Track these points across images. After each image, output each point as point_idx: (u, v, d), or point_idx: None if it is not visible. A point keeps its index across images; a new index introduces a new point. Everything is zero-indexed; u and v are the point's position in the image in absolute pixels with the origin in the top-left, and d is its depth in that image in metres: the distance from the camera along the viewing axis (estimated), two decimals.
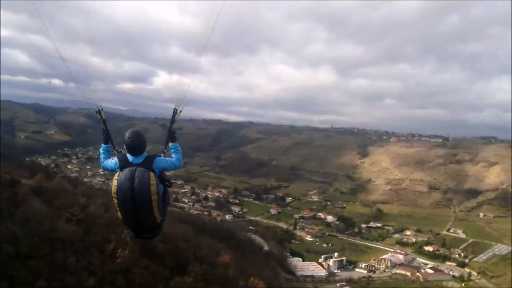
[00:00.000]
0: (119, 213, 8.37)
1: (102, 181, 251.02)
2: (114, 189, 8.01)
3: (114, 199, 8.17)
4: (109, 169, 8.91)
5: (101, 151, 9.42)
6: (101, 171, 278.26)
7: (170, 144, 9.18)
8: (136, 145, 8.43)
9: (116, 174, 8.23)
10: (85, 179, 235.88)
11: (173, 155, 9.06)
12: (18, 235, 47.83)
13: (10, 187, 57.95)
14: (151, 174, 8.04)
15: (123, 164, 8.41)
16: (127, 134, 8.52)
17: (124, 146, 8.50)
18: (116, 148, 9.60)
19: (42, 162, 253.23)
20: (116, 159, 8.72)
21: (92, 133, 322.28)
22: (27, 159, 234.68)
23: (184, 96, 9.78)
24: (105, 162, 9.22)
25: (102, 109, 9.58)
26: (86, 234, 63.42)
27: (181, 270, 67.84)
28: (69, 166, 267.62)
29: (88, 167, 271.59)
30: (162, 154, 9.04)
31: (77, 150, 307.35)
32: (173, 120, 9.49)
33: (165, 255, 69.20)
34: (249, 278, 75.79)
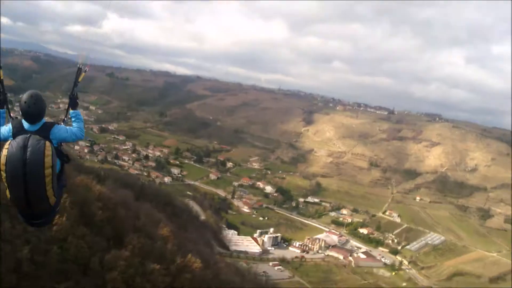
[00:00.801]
0: (7, 191, 6.71)
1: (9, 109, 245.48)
2: (3, 159, 6.50)
3: (2, 171, 6.57)
4: (2, 138, 7.22)
5: None
6: None
7: (71, 111, 7.74)
8: (33, 113, 6.99)
9: (8, 142, 6.75)
10: None
11: (74, 124, 7.57)
12: None
13: None
14: (47, 143, 6.67)
15: (17, 131, 7.00)
16: (24, 97, 7.09)
17: (21, 114, 7.11)
18: (11, 114, 7.88)
19: (12, 115, 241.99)
20: (10, 126, 7.28)
21: (37, 78, 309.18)
22: None
23: (88, 52, 8.46)
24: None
25: (0, 67, 7.95)
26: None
27: (119, 241, 64.22)
28: (11, 114, 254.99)
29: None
30: (61, 123, 7.63)
31: (21, 96, 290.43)
32: (75, 83, 7.98)
33: (103, 224, 65.13)
34: (186, 255, 72.99)
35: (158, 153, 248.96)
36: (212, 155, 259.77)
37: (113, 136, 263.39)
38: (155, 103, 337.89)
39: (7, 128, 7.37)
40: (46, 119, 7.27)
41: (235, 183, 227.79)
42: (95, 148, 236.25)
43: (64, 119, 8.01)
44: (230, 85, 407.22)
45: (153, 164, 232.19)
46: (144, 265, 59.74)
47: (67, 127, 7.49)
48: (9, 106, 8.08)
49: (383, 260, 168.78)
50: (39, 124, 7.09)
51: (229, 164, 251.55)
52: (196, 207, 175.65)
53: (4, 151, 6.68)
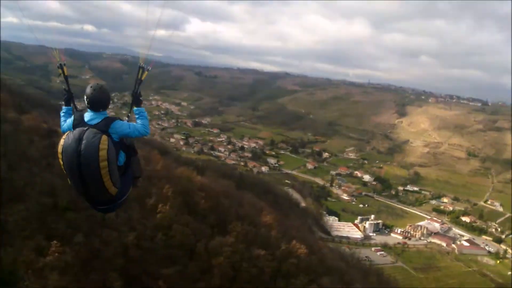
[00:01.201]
0: (68, 180, 7.22)
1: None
2: (59, 148, 6.95)
3: (60, 160, 7.07)
4: (66, 131, 7.57)
5: (61, 113, 8.43)
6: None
7: (135, 108, 8.06)
8: (96, 99, 7.31)
9: (66, 134, 7.18)
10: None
11: (138, 121, 7.89)
12: (56, 187, 48.14)
13: (47, 137, 57.77)
14: (103, 137, 6.92)
15: (77, 123, 7.34)
16: (89, 86, 7.56)
17: (85, 102, 7.40)
18: (77, 108, 8.56)
19: (78, 106, 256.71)
20: (73, 118, 7.68)
21: (127, 78, 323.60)
22: (62, 103, 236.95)
23: (149, 53, 8.76)
24: (64, 124, 8.03)
25: (64, 64, 8.54)
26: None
27: (223, 229, 68.08)
28: (77, 107, 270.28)
29: (123, 112, 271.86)
30: (126, 118, 8.17)
31: (113, 95, 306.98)
32: (138, 81, 8.34)
33: (207, 212, 69.47)
34: (291, 241, 75.86)
35: (253, 145, 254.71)
36: (307, 146, 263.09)
37: (207, 130, 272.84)
38: (246, 98, 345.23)
39: (69, 120, 7.65)
40: (110, 114, 7.64)
41: (333, 172, 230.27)
42: (190, 140, 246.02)
43: (128, 116, 8.37)
44: (319, 81, 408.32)
45: (249, 155, 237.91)
46: (250, 251, 63.92)
47: (130, 123, 7.74)
48: (75, 103, 8.42)
49: (487, 248, 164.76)
50: (100, 117, 7.32)
51: (325, 155, 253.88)
52: (295, 195, 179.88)
53: (61, 141, 7.03)
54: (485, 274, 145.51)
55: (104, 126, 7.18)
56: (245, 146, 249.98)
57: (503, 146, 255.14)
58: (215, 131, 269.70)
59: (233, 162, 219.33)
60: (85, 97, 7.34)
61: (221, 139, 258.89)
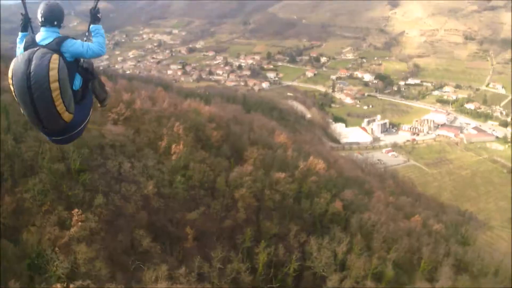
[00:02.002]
0: (21, 109, 6.60)
1: (133, 64, 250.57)
2: (10, 73, 6.32)
3: (10, 85, 6.44)
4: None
5: (18, 40, 7.31)
6: (130, 53, 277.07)
7: (92, 26, 7.19)
8: (51, 10, 6.80)
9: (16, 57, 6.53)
10: (115, 66, 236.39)
11: (93, 39, 7.08)
12: (65, 150, 48.84)
13: None
14: (54, 56, 6.29)
15: (28, 45, 6.67)
16: (40, 6, 6.90)
17: (39, 18, 6.83)
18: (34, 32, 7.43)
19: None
20: (24, 40, 6.90)
21: (114, 17, 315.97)
22: None
23: None
24: (18, 51, 7.10)
25: None
26: (136, 133, 64.55)
27: (239, 157, 69.15)
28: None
29: (117, 52, 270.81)
30: (84, 39, 7.29)
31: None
32: None
33: (220, 143, 70.54)
34: (308, 158, 77.43)
35: (250, 61, 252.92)
36: (304, 53, 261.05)
37: (202, 54, 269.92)
38: (235, 14, 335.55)
39: (22, 46, 6.89)
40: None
41: (333, 77, 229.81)
42: (188, 69, 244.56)
43: (86, 35, 7.48)
44: None
45: (248, 73, 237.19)
46: (270, 176, 65.09)
47: (84, 42, 7.00)
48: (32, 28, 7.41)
49: (494, 133, 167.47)
50: (52, 37, 6.75)
51: (323, 59, 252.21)
52: (300, 107, 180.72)
53: (11, 65, 6.42)
54: (495, 160, 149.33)
55: (56, 45, 6.62)
56: (242, 64, 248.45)
57: (500, 25, 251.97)
58: (211, 54, 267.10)
59: (233, 83, 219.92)
60: (37, 12, 6.85)
61: (217, 62, 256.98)
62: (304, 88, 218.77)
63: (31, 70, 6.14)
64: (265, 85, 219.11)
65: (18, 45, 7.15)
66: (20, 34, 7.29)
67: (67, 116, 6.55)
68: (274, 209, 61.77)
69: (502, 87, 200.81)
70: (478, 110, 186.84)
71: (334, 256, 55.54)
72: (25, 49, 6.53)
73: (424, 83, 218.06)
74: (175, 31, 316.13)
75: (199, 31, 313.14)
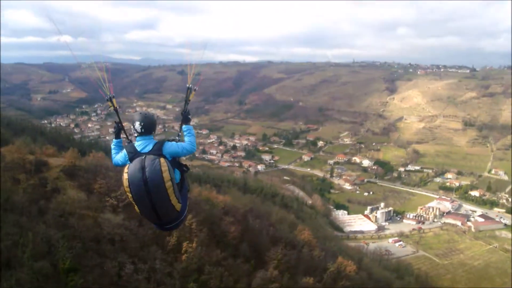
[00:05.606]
0: (136, 207, 7.44)
1: (124, 137, 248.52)
2: (126, 182, 7.21)
3: (127, 193, 7.34)
4: (121, 164, 7.85)
5: (112, 146, 8.49)
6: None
7: (183, 126, 8.54)
8: (151, 123, 7.94)
9: (126, 167, 7.36)
10: (107, 137, 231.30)
11: (185, 138, 8.33)
12: (53, 241, 38.99)
13: (36, 172, 49.07)
14: (162, 160, 7.24)
15: (132, 155, 7.57)
16: (138, 113, 8.07)
17: (137, 128, 7.80)
18: (128, 138, 8.51)
19: (61, 123, 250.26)
20: (125, 151, 7.85)
21: (108, 87, 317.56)
22: (45, 121, 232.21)
23: (194, 74, 9.33)
24: (116, 157, 8.19)
25: (113, 96, 8.73)
26: (140, 225, 53.22)
27: (260, 258, 59.25)
28: (89, 125, 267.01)
29: (108, 123, 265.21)
30: (177, 138, 8.36)
31: (96, 106, 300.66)
32: (186, 101, 8.97)
33: (237, 240, 60.28)
34: (336, 258, 68.47)
35: (245, 142, 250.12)
36: (301, 136, 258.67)
37: (196, 131, 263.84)
38: (231, 93, 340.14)
39: (122, 154, 7.88)
40: (156, 139, 7.93)
41: (330, 161, 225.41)
42: None
43: (179, 135, 8.47)
44: (304, 65, 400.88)
45: (243, 154, 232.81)
46: (296, 281, 55.89)
47: (178, 143, 8.03)
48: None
49: (502, 221, 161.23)
50: (151, 143, 7.64)
51: (320, 143, 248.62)
52: (299, 192, 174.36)
53: (125, 175, 7.19)
54: (506, 249, 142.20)
55: (158, 150, 7.54)
56: (237, 144, 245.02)
57: (498, 111, 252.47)
58: (204, 132, 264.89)
59: (227, 164, 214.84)
60: (136, 124, 7.78)
61: (211, 140, 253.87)
62: (301, 172, 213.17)
63: (147, 176, 7.06)
64: (260, 167, 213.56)
65: (113, 151, 8.40)
66: (114, 141, 8.58)
67: (179, 206, 7.60)
68: None
69: (505, 173, 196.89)
70: (483, 197, 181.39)
71: None
72: (131, 159, 7.49)
73: (425, 170, 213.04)
74: (169, 106, 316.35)
75: (194, 108, 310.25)
